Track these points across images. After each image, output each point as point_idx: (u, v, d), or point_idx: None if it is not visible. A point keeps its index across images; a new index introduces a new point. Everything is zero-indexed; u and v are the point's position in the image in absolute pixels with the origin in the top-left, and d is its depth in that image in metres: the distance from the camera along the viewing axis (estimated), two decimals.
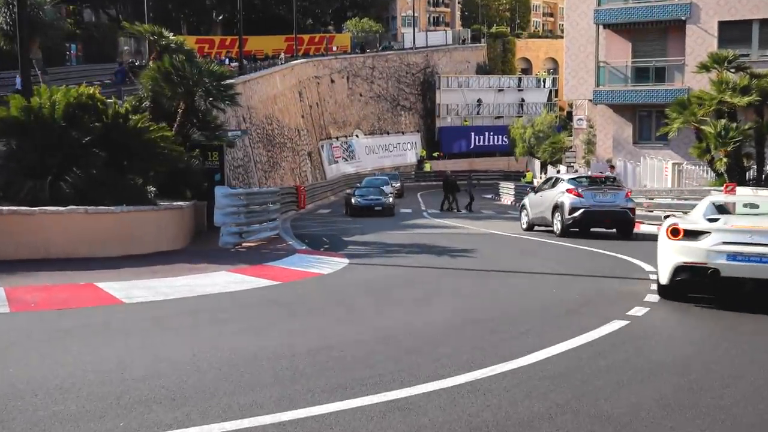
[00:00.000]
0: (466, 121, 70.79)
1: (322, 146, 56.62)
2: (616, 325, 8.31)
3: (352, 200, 32.55)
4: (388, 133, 67.12)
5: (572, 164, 42.15)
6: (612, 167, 32.10)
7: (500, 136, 69.09)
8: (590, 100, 39.23)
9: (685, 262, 9.38)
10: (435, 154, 69.03)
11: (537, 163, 57.83)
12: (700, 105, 26.03)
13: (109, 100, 18.11)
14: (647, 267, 13.48)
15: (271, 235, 19.80)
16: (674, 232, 9.61)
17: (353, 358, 6.81)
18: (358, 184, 40.08)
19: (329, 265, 14.37)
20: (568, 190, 20.83)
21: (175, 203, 17.51)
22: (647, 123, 37.15)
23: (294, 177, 46.81)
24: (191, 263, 13.86)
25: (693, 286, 9.65)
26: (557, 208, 20.91)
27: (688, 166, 30.74)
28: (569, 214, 20.38)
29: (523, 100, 72.33)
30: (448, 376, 6.19)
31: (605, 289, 11.15)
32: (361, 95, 64.15)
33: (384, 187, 35.36)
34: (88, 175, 15.38)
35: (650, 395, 5.76)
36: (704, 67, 26.81)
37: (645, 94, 35.55)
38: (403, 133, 68.65)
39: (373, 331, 8.00)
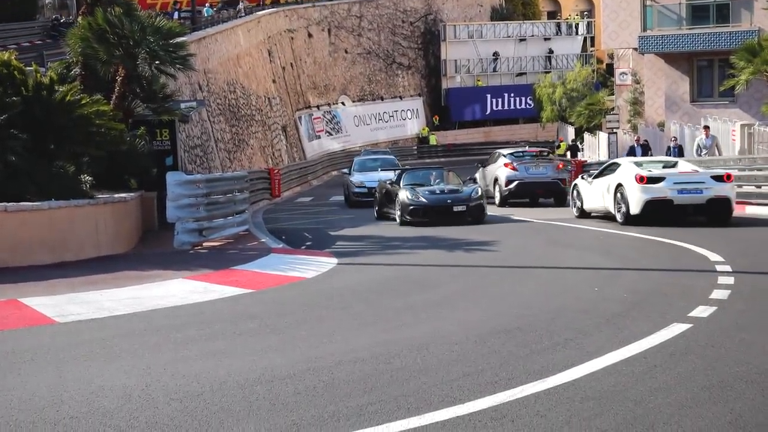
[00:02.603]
0: (479, 80, 70.75)
1: (300, 118, 56.57)
2: (676, 329, 8.34)
3: (403, 197, 21.96)
4: (382, 99, 67.09)
5: (614, 130, 42.19)
6: (645, 142, 32.06)
7: (523, 98, 69.07)
8: (635, 49, 39.20)
9: (653, 197, 19.01)
10: (435, 121, 68.93)
11: (570, 130, 57.83)
12: None
13: (28, 68, 18.06)
14: (714, 256, 13.51)
15: (239, 231, 19.81)
16: (641, 179, 19.11)
17: (347, 381, 6.81)
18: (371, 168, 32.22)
19: (313, 266, 14.38)
20: (505, 164, 28.02)
21: (116, 195, 17.51)
22: (708, 75, 37.15)
23: (266, 158, 46.79)
24: (140, 270, 13.85)
25: (656, 212, 19.05)
26: (496, 181, 28.19)
27: (762, 127, 30.74)
28: (505, 186, 27.59)
29: (550, 51, 72.30)
30: (466, 400, 6.20)
31: (660, 286, 11.17)
32: (346, 52, 64.06)
33: (435, 173, 24.24)
34: (5, 163, 15.36)
35: (722, 417, 5.77)
36: None
37: (704, 38, 35.54)
38: (401, 98, 68.62)
39: (370, 348, 8.01)
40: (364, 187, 30.17)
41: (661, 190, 18.97)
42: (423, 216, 21.48)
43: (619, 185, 19.72)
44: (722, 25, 35.45)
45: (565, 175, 28.21)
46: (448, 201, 21.67)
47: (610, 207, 20.27)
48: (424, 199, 21.68)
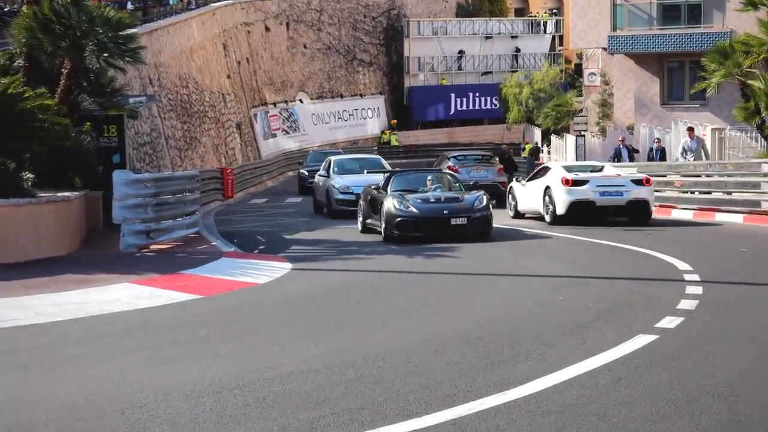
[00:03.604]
0: (443, 79, 70.98)
1: (255, 115, 56.39)
2: (642, 341, 8.39)
3: (389, 206, 18.63)
4: (341, 97, 67.09)
5: (582, 132, 42.48)
6: (630, 147, 32.12)
7: (489, 98, 69.39)
8: (604, 49, 39.49)
9: (577, 199, 21.05)
10: (392, 126, 69.05)
11: (537, 132, 58.17)
12: (746, 53, 26.30)
13: None
14: (682, 265, 13.63)
15: (189, 233, 19.72)
16: (566, 182, 21.19)
17: (298, 393, 6.79)
18: (335, 170, 28.12)
19: (266, 271, 14.35)
20: (448, 167, 28.41)
21: (59, 194, 17.34)
22: (679, 77, 37.50)
23: (218, 157, 46.59)
24: (83, 273, 13.73)
25: (580, 213, 21.04)
26: None
27: (732, 132, 31.10)
28: None
29: (517, 50, 72.70)
30: (423, 413, 6.20)
31: (627, 295, 11.25)
32: (305, 47, 63.97)
33: (431, 177, 20.78)
34: None
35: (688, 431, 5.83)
36: (751, 4, 27.11)
37: (675, 39, 35.89)
38: (361, 96, 68.65)
39: (323, 358, 7.99)
40: (351, 193, 25.19)
41: (584, 192, 21.15)
42: (414, 230, 18.28)
43: (548, 187, 21.85)
44: (694, 25, 35.80)
45: (504, 178, 29.91)
46: (445, 212, 18.43)
47: (540, 208, 22.32)
48: (414, 209, 18.34)
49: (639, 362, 7.63)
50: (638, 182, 21.51)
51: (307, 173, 38.51)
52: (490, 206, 18.86)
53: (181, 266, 14.80)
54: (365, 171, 26.11)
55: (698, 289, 11.26)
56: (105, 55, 20.62)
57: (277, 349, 8.47)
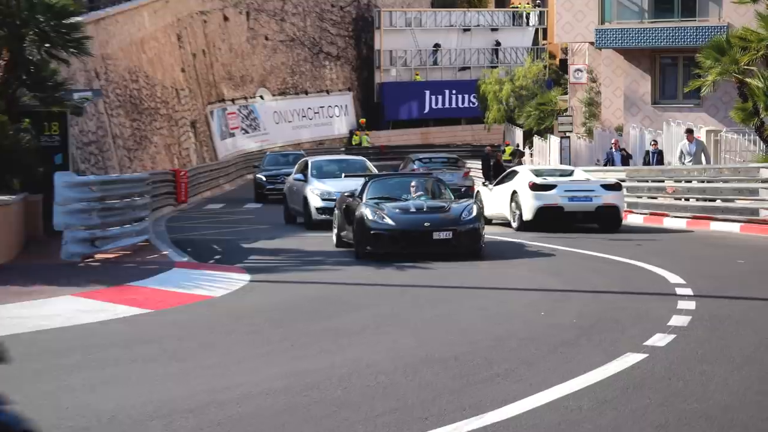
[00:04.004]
0: (418, 75, 71.13)
1: (212, 113, 56.26)
2: (630, 360, 8.44)
3: (362, 217, 17.37)
4: (306, 93, 67.06)
5: (567, 133, 42.67)
6: (625, 151, 32.07)
7: (467, 96, 69.56)
8: (592, 44, 39.69)
9: (544, 204, 21.93)
10: (361, 125, 69.09)
11: (518, 133, 58.37)
12: (744, 49, 26.50)
13: None
14: (673, 278, 13.71)
15: (138, 241, 19.64)
16: (534, 187, 22.16)
17: (255, 416, 6.78)
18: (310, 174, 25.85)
19: (222, 283, 14.32)
20: (413, 170, 30.32)
21: None
22: (672, 75, 37.74)
23: (171, 158, 46.44)
24: (21, 285, 13.64)
25: (547, 218, 21.94)
26: None
27: (729, 134, 31.36)
28: None
29: (498, 43, 72.98)
30: None
31: (614, 310, 11.29)
32: (267, 39, 63.91)
33: (416, 183, 19.47)
34: None
35: None
36: None
37: (669, 33, 36.14)
38: (328, 92, 68.66)
39: (284, 378, 7.97)
40: (334, 200, 21.83)
41: (552, 197, 22.16)
42: (390, 245, 17.05)
43: (515, 192, 22.81)
44: (688, 19, 36.03)
45: (471, 182, 31.63)
46: (426, 224, 17.06)
47: (507, 213, 23.03)
48: (390, 221, 17.04)
49: (626, 383, 7.66)
50: (608, 187, 22.47)
51: (264, 179, 37.98)
52: (482, 217, 17.95)
53: (128, 277, 14.73)
54: (343, 175, 24.55)
55: (691, 304, 11.33)
56: (47, 45, 20.51)
57: (233, 369, 8.44)
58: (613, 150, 31.04)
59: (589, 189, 22.35)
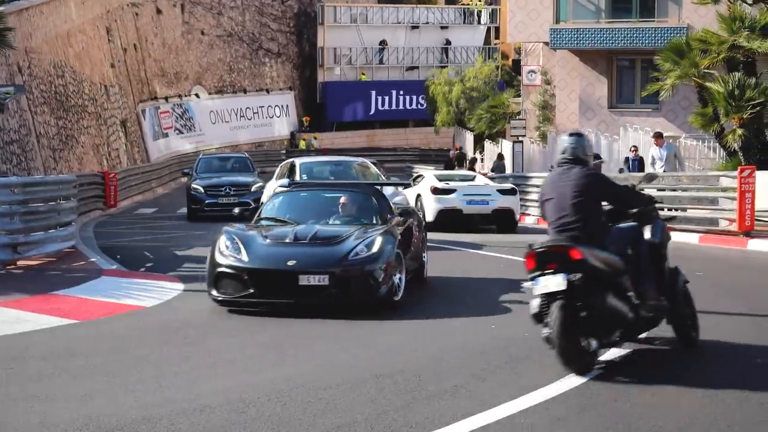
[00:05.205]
0: (363, 74, 71.22)
1: (144, 111, 55.97)
2: (584, 376, 8.53)
3: (216, 249, 13.20)
4: (245, 92, 66.92)
5: (520, 138, 42.94)
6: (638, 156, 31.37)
7: (415, 97, 69.75)
8: (546, 44, 39.96)
9: (444, 207, 24.74)
10: (304, 122, 68.98)
11: (469, 137, 58.58)
12: (704, 51, 26.77)
13: None
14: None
15: (64, 247, 19.46)
16: (435, 191, 25.31)
17: None
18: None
19: (154, 293, 14.24)
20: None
21: None
22: (629, 77, 38.13)
23: (100, 159, 46.10)
24: None
25: (447, 220, 24.50)
26: None
27: (688, 140, 31.73)
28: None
29: (448, 42, 73.27)
30: None
31: None
32: (203, 33, 63.70)
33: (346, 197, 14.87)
34: None
35: None
36: None
37: (626, 34, 36.48)
38: (268, 91, 68.54)
39: (221, 394, 7.95)
40: None
41: (452, 200, 25.36)
42: (243, 289, 12.46)
43: (419, 195, 25.75)
44: (646, 19, 36.39)
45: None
46: (290, 262, 12.52)
47: None
48: (245, 255, 12.71)
49: (580, 401, 7.74)
50: (504, 192, 26.13)
51: (203, 190, 30.80)
52: (389, 255, 12.79)
53: (53, 286, 14.59)
54: (331, 177, 21.90)
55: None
56: None
57: (165, 383, 8.40)
58: (631, 156, 30.40)
59: (486, 194, 25.92)
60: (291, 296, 12.41)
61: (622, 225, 9.42)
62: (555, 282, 8.49)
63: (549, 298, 8.59)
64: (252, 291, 12.37)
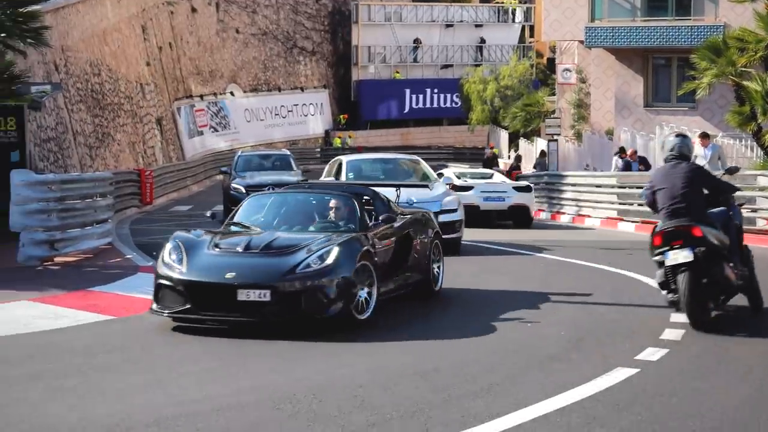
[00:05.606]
0: (397, 72, 71.22)
1: (179, 110, 56.18)
2: (620, 375, 8.47)
3: (161, 258, 11.93)
4: (279, 90, 67.03)
5: (555, 136, 42.79)
6: (632, 153, 31.42)
7: (449, 95, 69.72)
8: (581, 42, 39.83)
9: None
10: (341, 120, 69.06)
11: (503, 135, 58.46)
12: (741, 50, 26.62)
13: None
14: None
15: (101, 244, 19.56)
16: (454, 188, 23.54)
17: (227, 429, 6.77)
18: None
19: None
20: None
21: None
22: (665, 76, 37.88)
23: (136, 156, 46.31)
24: None
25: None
26: None
27: (725, 139, 31.49)
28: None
29: (482, 40, 73.15)
30: None
31: (604, 323, 11.34)
32: (238, 32, 63.85)
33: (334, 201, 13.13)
34: None
35: None
36: None
37: (662, 32, 36.27)
38: (302, 89, 68.63)
39: (258, 390, 7.97)
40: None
41: (469, 197, 25.56)
42: (181, 303, 11.08)
43: None
44: (683, 18, 36.17)
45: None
46: (229, 274, 11.08)
47: None
48: (183, 268, 11.35)
49: (616, 399, 7.69)
50: (519, 189, 27.30)
51: (243, 190, 27.91)
52: (346, 268, 11.14)
53: (90, 282, 14.65)
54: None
55: (684, 317, 11.36)
56: (2, 35, 20.42)
57: (202, 380, 8.42)
58: (630, 159, 30.38)
59: (502, 191, 27.02)
60: (229, 312, 10.96)
61: (713, 210, 11.23)
62: (683, 255, 10.46)
63: (674, 269, 10.64)
64: (189, 306, 10.98)
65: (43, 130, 32.81)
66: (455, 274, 16.45)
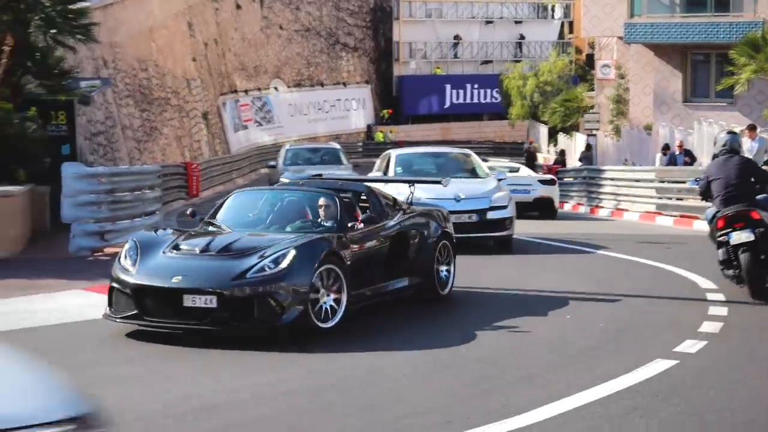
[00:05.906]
0: (438, 68, 71.11)
1: (224, 104, 56.38)
2: (660, 367, 8.48)
3: (119, 258, 10.87)
4: (322, 86, 67.11)
5: (594, 131, 42.61)
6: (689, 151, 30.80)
7: (489, 91, 69.53)
8: (620, 38, 39.63)
9: None
10: (385, 115, 69.07)
11: (543, 130, 58.29)
12: None
13: None
14: (705, 283, 13.70)
15: None
16: None
17: (272, 418, 6.83)
18: None
19: None
20: None
21: (0, 188, 17.30)
22: (704, 72, 37.64)
23: (182, 150, 46.55)
24: (28, 278, 13.69)
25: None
26: None
27: (764, 134, 31.25)
28: None
29: (522, 37, 72.88)
30: None
31: (643, 315, 11.33)
32: (281, 28, 63.98)
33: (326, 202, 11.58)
34: None
35: None
36: None
37: (701, 28, 36.04)
38: (344, 85, 68.68)
39: (301, 379, 8.03)
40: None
41: None
42: (131, 308, 10.21)
43: None
44: (721, 14, 35.92)
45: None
46: (175, 278, 10.11)
47: None
48: (134, 270, 10.40)
49: (656, 390, 7.69)
50: (544, 182, 28.51)
51: None
52: (303, 273, 10.12)
53: None
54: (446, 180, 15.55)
55: (723, 310, 11.35)
56: (53, 31, 20.56)
57: (250, 367, 8.50)
58: (675, 152, 30.07)
59: (527, 183, 27.98)
60: (175, 319, 10.03)
61: (758, 196, 12.52)
62: (745, 235, 11.89)
63: (735, 248, 12.04)
64: (136, 311, 10.13)
65: (92, 124, 33.08)
66: (485, 261, 16.46)
